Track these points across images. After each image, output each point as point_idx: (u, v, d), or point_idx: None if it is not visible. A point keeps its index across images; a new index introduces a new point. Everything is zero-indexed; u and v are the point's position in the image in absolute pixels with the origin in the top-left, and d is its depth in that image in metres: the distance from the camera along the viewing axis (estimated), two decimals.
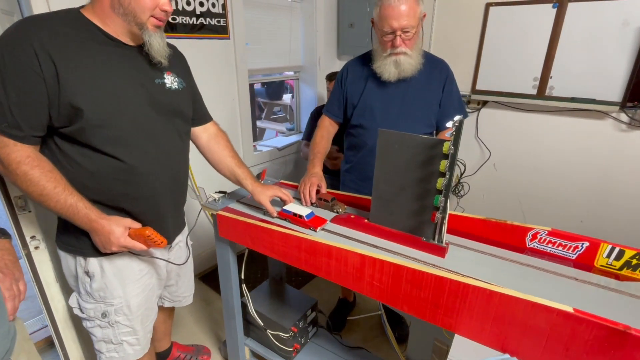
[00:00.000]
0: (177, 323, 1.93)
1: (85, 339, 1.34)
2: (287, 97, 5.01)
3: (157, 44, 0.96)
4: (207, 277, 2.37)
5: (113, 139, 0.93)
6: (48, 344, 1.70)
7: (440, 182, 0.91)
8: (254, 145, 2.70)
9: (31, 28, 0.84)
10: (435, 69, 1.44)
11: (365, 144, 1.50)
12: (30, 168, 0.85)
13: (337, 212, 1.21)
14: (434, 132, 1.51)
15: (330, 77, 2.33)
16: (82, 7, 0.94)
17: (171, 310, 1.55)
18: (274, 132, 4.54)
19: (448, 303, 0.82)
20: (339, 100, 1.54)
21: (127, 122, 0.95)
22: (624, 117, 1.93)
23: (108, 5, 0.90)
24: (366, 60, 1.47)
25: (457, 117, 0.88)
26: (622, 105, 1.88)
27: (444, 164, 0.89)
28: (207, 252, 2.42)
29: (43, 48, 0.82)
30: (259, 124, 4.61)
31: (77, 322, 1.28)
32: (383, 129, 1.01)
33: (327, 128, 1.58)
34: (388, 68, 1.35)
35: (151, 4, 0.91)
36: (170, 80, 1.05)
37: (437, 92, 1.44)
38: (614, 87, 1.88)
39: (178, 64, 1.12)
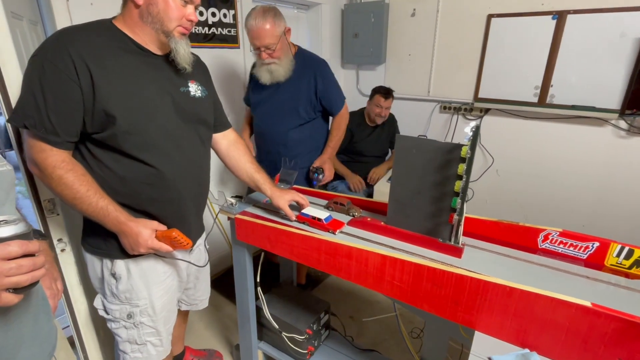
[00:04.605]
0: (188, 328, 1.94)
1: (104, 340, 1.35)
2: None
3: (183, 50, 1.01)
4: (216, 283, 2.37)
5: (142, 145, 0.97)
6: None
7: (458, 185, 0.95)
8: None
9: (69, 38, 0.88)
10: (306, 69, 1.71)
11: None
12: (65, 172, 0.89)
13: (353, 215, 1.25)
14: (317, 119, 1.83)
15: (376, 91, 2.40)
16: (114, 18, 0.99)
17: (185, 314, 1.57)
18: None
19: (468, 301, 0.86)
20: None
21: (155, 129, 0.98)
22: (623, 124, 2.00)
23: (137, 16, 0.95)
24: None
25: (473, 123, 0.93)
26: (621, 113, 1.95)
27: (462, 167, 0.94)
28: (214, 257, 2.44)
29: (80, 57, 0.86)
30: None
31: (97, 324, 1.30)
32: (400, 135, 1.06)
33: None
34: (263, 74, 1.67)
35: (178, 14, 0.96)
36: (194, 89, 1.09)
37: (308, 88, 1.72)
38: (613, 95, 1.95)
39: (201, 72, 1.16)
